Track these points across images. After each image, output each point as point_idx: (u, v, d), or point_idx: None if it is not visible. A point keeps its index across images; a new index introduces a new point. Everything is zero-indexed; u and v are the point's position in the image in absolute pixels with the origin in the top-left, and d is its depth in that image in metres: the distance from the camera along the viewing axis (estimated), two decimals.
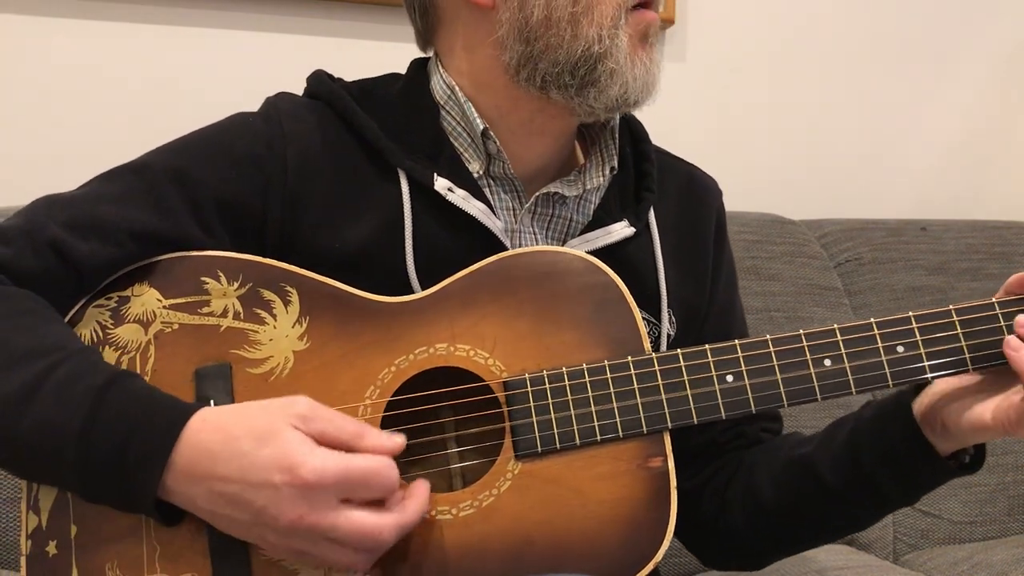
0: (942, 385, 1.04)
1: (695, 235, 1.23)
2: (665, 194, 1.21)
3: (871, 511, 1.16)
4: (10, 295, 0.96)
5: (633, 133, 1.22)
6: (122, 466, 0.88)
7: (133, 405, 0.90)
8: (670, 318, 1.16)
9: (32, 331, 0.94)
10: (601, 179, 1.15)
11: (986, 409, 0.99)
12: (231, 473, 0.87)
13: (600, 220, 1.14)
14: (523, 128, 1.12)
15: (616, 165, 1.16)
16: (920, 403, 1.05)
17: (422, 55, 1.20)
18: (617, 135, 1.17)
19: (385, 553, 0.93)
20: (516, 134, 1.12)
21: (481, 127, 1.10)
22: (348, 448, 0.89)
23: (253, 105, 1.13)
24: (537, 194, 1.12)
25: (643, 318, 1.02)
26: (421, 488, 0.93)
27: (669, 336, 1.16)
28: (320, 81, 1.15)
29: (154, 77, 1.79)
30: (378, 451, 0.90)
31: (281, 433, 0.88)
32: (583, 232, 1.14)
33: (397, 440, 0.92)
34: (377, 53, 1.90)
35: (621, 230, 1.14)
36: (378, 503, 0.90)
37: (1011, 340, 0.98)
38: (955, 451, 1.05)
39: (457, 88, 1.12)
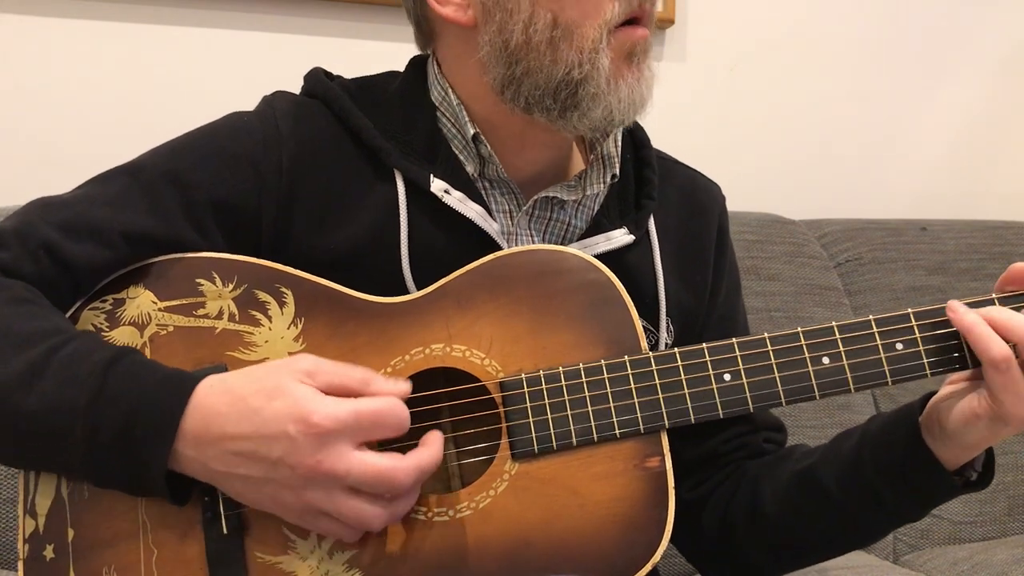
0: (945, 391, 1.03)
1: (696, 243, 1.22)
2: (666, 201, 1.20)
3: (877, 526, 1.14)
4: (7, 285, 0.96)
5: (635, 139, 1.21)
6: (131, 437, 0.88)
7: (139, 377, 0.91)
8: (668, 326, 1.16)
9: (32, 316, 0.94)
10: (602, 186, 1.14)
11: (975, 397, 0.98)
12: (244, 430, 0.88)
13: (599, 226, 1.14)
14: (515, 140, 1.11)
15: (617, 172, 1.15)
16: (924, 412, 1.04)
17: (418, 55, 1.19)
18: (619, 142, 1.16)
19: (383, 554, 0.93)
20: (508, 145, 1.11)
21: (472, 132, 1.09)
22: (356, 395, 0.90)
23: (252, 105, 1.13)
24: (535, 198, 1.12)
25: (642, 326, 1.02)
26: (435, 435, 0.94)
27: (667, 344, 1.15)
28: (317, 80, 1.14)
29: (154, 77, 1.79)
30: (385, 394, 0.91)
31: (290, 387, 0.89)
32: (581, 237, 1.13)
33: (402, 385, 0.93)
34: (377, 53, 1.89)
35: (620, 237, 1.13)
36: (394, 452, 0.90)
37: (952, 303, 0.99)
38: (961, 467, 1.04)
39: (451, 91, 1.11)
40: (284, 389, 0.89)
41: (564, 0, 1.02)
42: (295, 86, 1.16)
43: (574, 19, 1.03)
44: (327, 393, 0.89)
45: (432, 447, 0.92)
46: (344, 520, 0.90)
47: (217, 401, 0.90)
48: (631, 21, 1.05)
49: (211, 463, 0.90)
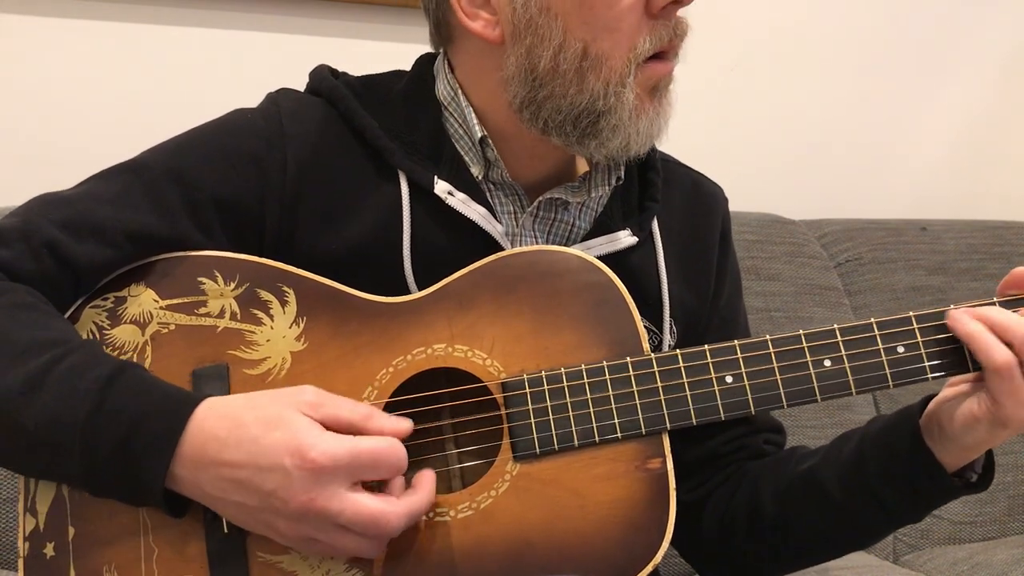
0: (946, 393, 1.04)
1: (699, 244, 1.22)
2: (669, 203, 1.20)
3: (877, 527, 1.14)
4: (9, 290, 0.95)
5: None
6: (128, 455, 0.88)
7: (139, 394, 0.90)
8: (671, 328, 1.16)
9: (33, 325, 0.93)
10: (606, 188, 1.14)
11: (975, 400, 0.99)
12: (240, 458, 0.88)
13: (603, 227, 1.14)
14: (525, 151, 1.11)
15: (622, 175, 1.15)
16: (924, 413, 1.04)
17: (426, 53, 1.18)
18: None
19: (384, 555, 0.93)
20: (518, 155, 1.11)
21: (479, 134, 1.09)
22: (356, 432, 0.90)
23: (252, 106, 1.13)
24: (540, 199, 1.12)
25: (645, 327, 1.02)
26: (427, 477, 0.94)
27: (670, 345, 1.15)
28: (322, 78, 1.14)
29: (154, 77, 1.79)
30: (386, 433, 0.91)
31: (290, 419, 0.88)
32: (585, 239, 1.13)
33: (404, 424, 0.93)
34: (378, 53, 1.89)
35: (624, 239, 1.13)
36: (387, 491, 0.90)
37: (952, 311, 0.99)
38: (962, 469, 1.04)
39: (460, 93, 1.11)
40: (284, 419, 0.88)
41: (596, 31, 1.01)
42: (295, 86, 1.16)
43: (604, 51, 1.02)
44: (328, 427, 0.89)
45: (424, 489, 0.92)
46: (337, 550, 0.91)
47: (216, 425, 0.89)
48: (658, 54, 1.05)
49: (205, 487, 0.89)
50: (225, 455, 0.88)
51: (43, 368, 0.90)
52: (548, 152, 1.11)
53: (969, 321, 0.98)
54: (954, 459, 1.03)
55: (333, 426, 0.89)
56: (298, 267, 1.02)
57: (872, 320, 1.01)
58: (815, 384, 0.99)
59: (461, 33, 1.10)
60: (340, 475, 0.87)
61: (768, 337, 1.01)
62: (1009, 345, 0.96)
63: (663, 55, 1.05)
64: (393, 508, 0.89)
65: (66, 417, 0.88)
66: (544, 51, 1.03)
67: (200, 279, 1.01)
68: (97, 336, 0.99)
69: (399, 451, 0.90)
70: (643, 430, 0.97)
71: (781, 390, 0.99)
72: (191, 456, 0.89)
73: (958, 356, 0.99)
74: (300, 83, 1.16)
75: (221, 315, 1.00)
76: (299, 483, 0.86)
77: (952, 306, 1.00)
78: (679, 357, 1.00)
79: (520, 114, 1.07)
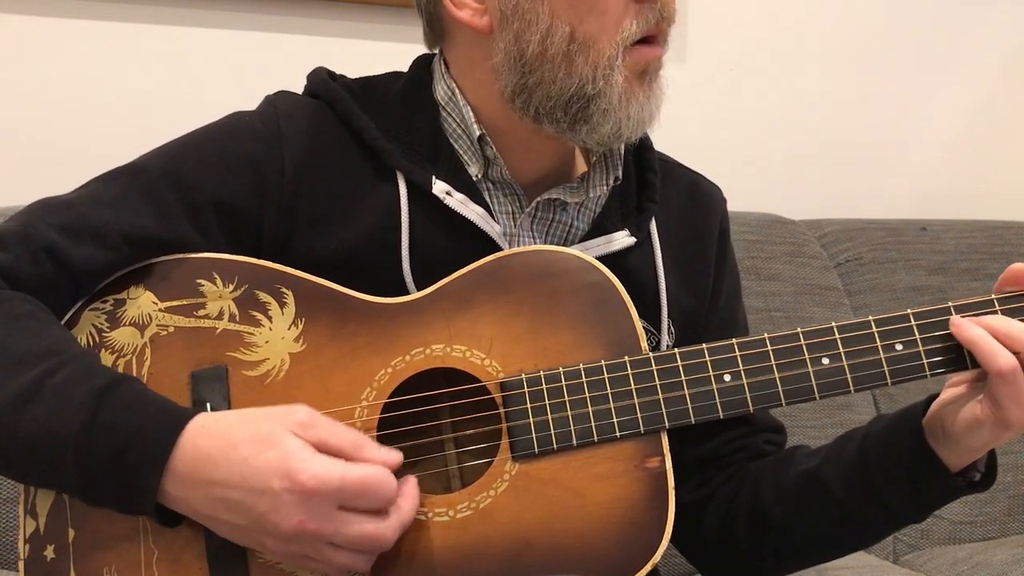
0: (948, 394, 1.04)
1: (697, 245, 1.22)
2: (667, 203, 1.20)
3: (879, 527, 1.14)
4: (6, 298, 0.95)
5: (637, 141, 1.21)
6: (121, 471, 0.88)
7: (132, 409, 0.90)
8: (669, 328, 1.15)
9: (30, 335, 0.93)
10: (604, 188, 1.14)
11: (977, 404, 0.98)
12: (231, 479, 0.88)
13: (601, 228, 1.14)
14: (520, 145, 1.11)
15: (620, 175, 1.15)
16: (927, 414, 1.04)
17: (423, 55, 1.19)
18: (622, 144, 1.16)
19: (383, 554, 0.93)
20: (514, 150, 1.11)
21: (478, 132, 1.09)
22: (347, 458, 0.89)
23: (252, 105, 1.13)
24: (538, 200, 1.12)
25: (643, 328, 1.02)
26: (411, 485, 0.93)
27: (668, 346, 1.15)
28: (320, 80, 1.14)
29: (154, 77, 1.79)
30: (376, 463, 0.90)
31: (281, 439, 0.88)
32: (583, 239, 1.13)
33: (394, 456, 0.92)
34: (378, 53, 1.89)
35: (622, 239, 1.13)
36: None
37: (955, 318, 0.99)
38: (965, 468, 1.04)
39: (458, 92, 1.11)
40: (276, 440, 0.88)
41: (583, 14, 1.02)
42: (295, 86, 1.16)
43: (591, 34, 1.02)
44: (319, 449, 0.89)
45: (408, 497, 0.92)
46: (329, 567, 0.91)
47: (208, 444, 0.89)
48: (647, 39, 1.05)
49: (196, 505, 0.90)
50: (216, 475, 0.88)
51: (38, 379, 0.90)
52: (543, 145, 1.11)
53: (971, 327, 0.98)
54: (957, 459, 1.03)
55: (323, 449, 0.89)
56: (297, 268, 1.02)
57: (870, 318, 1.00)
58: (813, 382, 0.99)
59: (452, 26, 1.10)
60: (329, 499, 0.87)
61: (766, 336, 1.00)
62: (1016, 354, 0.96)
63: (651, 40, 1.06)
64: (387, 524, 0.89)
65: (61, 429, 0.88)
66: (532, 36, 1.03)
67: (199, 281, 1.01)
68: (96, 338, 0.99)
69: (389, 481, 0.89)
70: (641, 429, 0.97)
71: (779, 388, 0.99)
72: (182, 474, 0.89)
73: (957, 354, 0.99)
74: (299, 84, 1.16)
75: (220, 317, 1.00)
76: (289, 506, 0.86)
77: (950, 303, 1.00)
78: (677, 356, 1.00)
79: (512, 103, 1.07)
